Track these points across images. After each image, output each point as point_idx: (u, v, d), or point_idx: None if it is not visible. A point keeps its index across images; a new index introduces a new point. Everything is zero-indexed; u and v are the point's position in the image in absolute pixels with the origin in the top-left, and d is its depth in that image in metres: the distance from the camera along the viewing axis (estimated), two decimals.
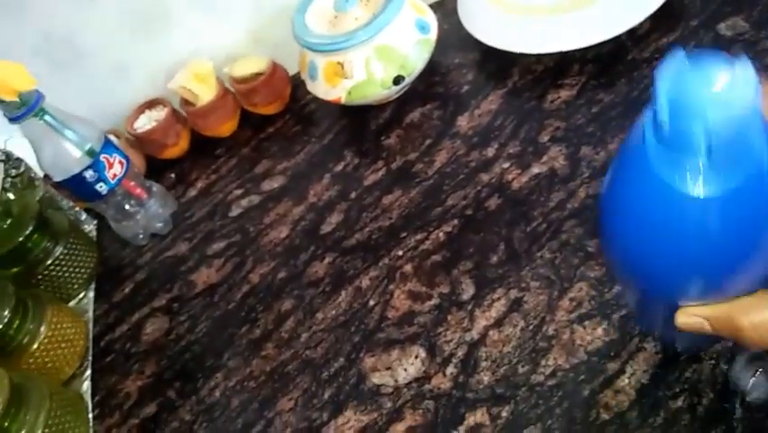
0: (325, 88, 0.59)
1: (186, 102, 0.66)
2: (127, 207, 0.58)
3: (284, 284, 0.50)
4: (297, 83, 0.67)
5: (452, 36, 0.64)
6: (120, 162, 0.56)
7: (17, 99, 0.48)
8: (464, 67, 0.62)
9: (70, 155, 0.52)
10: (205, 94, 0.64)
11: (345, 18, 0.60)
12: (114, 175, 0.55)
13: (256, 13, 0.68)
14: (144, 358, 0.51)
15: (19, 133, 0.51)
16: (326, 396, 0.42)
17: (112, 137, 0.64)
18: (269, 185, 0.60)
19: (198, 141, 0.68)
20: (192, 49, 0.67)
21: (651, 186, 0.21)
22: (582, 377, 0.37)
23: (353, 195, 0.55)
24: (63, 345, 0.50)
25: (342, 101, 0.58)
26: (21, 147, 0.60)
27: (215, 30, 0.67)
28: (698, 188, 0.19)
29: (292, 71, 0.68)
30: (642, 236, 0.23)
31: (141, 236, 0.60)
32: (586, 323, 0.39)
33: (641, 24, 0.54)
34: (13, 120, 0.50)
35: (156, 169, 0.67)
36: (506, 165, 0.51)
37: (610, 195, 0.24)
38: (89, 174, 0.53)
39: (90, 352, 0.53)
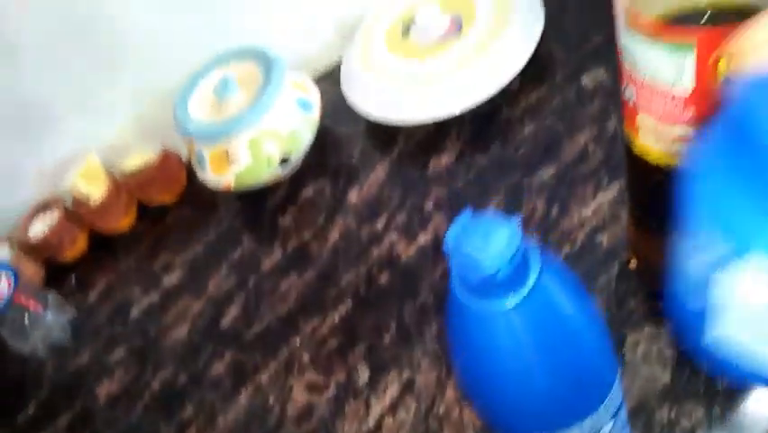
0: (214, 176, 0.59)
1: (78, 202, 0.65)
2: (24, 320, 0.57)
3: (184, 389, 0.50)
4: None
5: (340, 106, 0.65)
6: (7, 281, 0.54)
7: None
8: (353, 137, 0.63)
9: None
10: (96, 192, 0.63)
11: (227, 104, 0.60)
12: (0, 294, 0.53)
13: (139, 101, 0.67)
14: None
15: None
16: None
17: (3, 248, 0.63)
18: (168, 281, 0.59)
19: (98, 239, 0.66)
20: (78, 146, 0.66)
21: (461, 316, 0.25)
22: None
23: (251, 283, 0.55)
24: None
25: (232, 187, 0.59)
26: None
27: (100, 125, 0.67)
28: (487, 305, 0.23)
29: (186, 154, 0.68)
30: (473, 368, 0.27)
31: (40, 350, 0.58)
32: None
33: (512, 82, 0.56)
34: None
35: (56, 273, 0.65)
36: (394, 237, 0.52)
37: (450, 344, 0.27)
38: None
39: None
